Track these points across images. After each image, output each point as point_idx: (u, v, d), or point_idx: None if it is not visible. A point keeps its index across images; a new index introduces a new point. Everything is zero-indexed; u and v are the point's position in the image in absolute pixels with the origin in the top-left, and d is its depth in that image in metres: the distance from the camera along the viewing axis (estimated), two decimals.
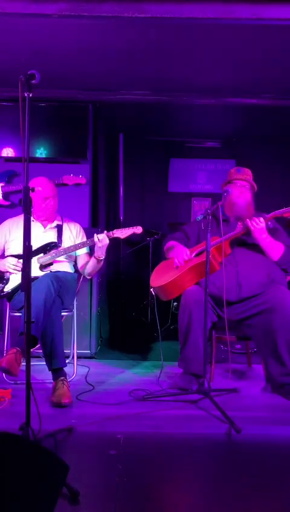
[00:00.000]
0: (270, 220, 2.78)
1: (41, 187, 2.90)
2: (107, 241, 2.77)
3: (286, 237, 2.92)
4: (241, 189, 2.89)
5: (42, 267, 2.83)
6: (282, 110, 4.03)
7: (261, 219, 2.73)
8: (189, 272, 2.79)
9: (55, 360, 2.61)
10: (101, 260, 2.86)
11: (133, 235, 2.84)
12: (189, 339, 2.75)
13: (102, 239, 2.76)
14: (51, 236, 2.98)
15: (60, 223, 3.06)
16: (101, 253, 2.81)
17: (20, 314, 2.80)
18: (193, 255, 2.88)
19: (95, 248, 2.81)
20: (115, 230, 2.83)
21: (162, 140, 5.02)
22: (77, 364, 3.03)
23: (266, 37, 2.89)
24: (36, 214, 2.98)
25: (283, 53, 3.10)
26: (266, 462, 2.01)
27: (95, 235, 2.78)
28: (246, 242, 2.87)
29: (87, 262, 2.95)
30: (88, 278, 3.12)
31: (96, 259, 2.85)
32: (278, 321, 2.61)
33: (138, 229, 2.82)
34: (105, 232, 2.81)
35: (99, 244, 2.76)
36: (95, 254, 2.83)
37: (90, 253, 2.96)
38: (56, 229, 3.02)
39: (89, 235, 2.96)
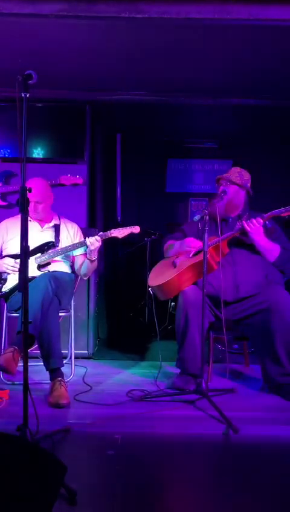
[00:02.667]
0: (268, 219, 2.78)
1: (34, 188, 2.89)
2: (99, 244, 2.81)
3: (283, 238, 2.92)
4: (221, 188, 2.89)
5: (40, 266, 2.83)
6: (280, 111, 4.04)
7: (259, 220, 2.73)
8: (187, 271, 2.79)
9: (53, 360, 2.60)
10: (94, 260, 2.89)
11: (131, 234, 2.85)
12: (186, 339, 2.75)
13: (93, 242, 2.79)
14: (48, 236, 2.98)
15: (57, 222, 3.06)
16: (93, 255, 2.85)
17: (17, 314, 2.79)
18: (191, 254, 2.89)
19: (87, 250, 2.84)
20: (112, 230, 2.84)
21: (159, 140, 5.01)
22: (75, 365, 3.02)
23: (264, 37, 2.90)
24: (33, 214, 2.98)
25: (281, 54, 3.10)
26: (264, 462, 2.01)
27: (87, 238, 2.82)
28: (244, 242, 2.87)
29: (83, 263, 2.96)
30: (84, 278, 3.13)
31: (90, 260, 2.88)
32: (276, 321, 2.61)
33: (136, 229, 2.83)
34: (101, 233, 2.83)
35: (92, 247, 2.80)
36: (88, 255, 2.86)
37: None
38: (53, 229, 3.02)
39: (87, 235, 2.97)
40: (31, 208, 2.93)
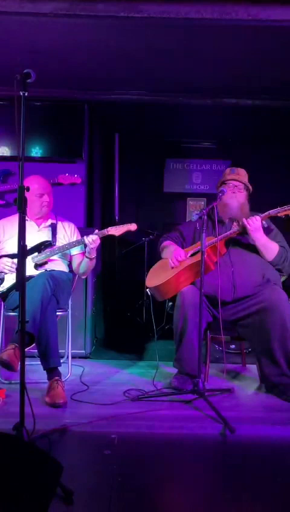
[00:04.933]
0: (265, 219, 2.79)
1: (36, 184, 2.91)
2: (98, 242, 2.82)
3: (280, 237, 2.92)
4: (233, 189, 2.89)
5: (37, 265, 2.83)
6: (278, 111, 4.05)
7: (257, 218, 2.74)
8: (184, 271, 2.79)
9: (50, 359, 2.60)
10: (93, 258, 2.89)
11: (128, 232, 2.84)
12: (184, 339, 2.75)
13: (92, 241, 2.79)
14: (45, 235, 2.97)
15: (54, 221, 3.06)
16: (92, 253, 2.85)
17: (15, 314, 2.79)
18: (188, 255, 2.89)
19: (87, 249, 2.84)
20: (109, 227, 2.84)
21: (158, 140, 5.02)
22: (72, 364, 3.02)
23: (262, 38, 2.90)
24: (30, 212, 2.98)
25: (279, 54, 3.11)
26: (261, 461, 2.02)
27: (85, 237, 2.82)
28: (241, 242, 2.88)
29: (81, 262, 2.96)
30: (83, 277, 3.12)
31: (88, 258, 2.87)
32: (273, 321, 2.62)
33: (133, 226, 2.83)
34: (96, 231, 2.83)
35: (91, 246, 2.79)
36: (87, 254, 2.86)
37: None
38: (50, 228, 3.02)
39: (84, 234, 2.96)
40: (33, 204, 2.93)
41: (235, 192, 2.88)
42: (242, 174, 2.95)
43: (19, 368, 2.34)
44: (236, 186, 2.90)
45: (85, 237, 2.82)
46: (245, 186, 2.91)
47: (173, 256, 2.85)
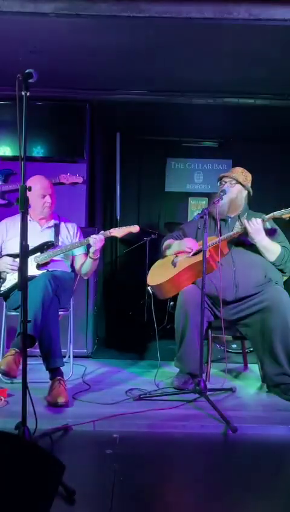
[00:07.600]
0: (268, 220, 2.78)
1: (39, 185, 2.91)
2: (103, 242, 2.81)
3: (283, 237, 2.92)
4: (224, 185, 2.89)
5: (39, 266, 2.83)
6: (279, 111, 4.04)
7: (259, 220, 2.74)
8: (186, 271, 2.79)
9: (53, 359, 2.60)
10: (97, 259, 2.88)
11: (130, 234, 2.84)
12: (185, 338, 2.75)
13: (99, 240, 2.77)
14: (47, 236, 2.97)
15: (57, 222, 3.06)
16: (96, 253, 2.84)
17: (16, 313, 2.79)
18: (191, 254, 2.89)
19: (91, 249, 2.84)
20: (112, 229, 2.84)
21: (159, 139, 5.02)
22: (73, 364, 3.03)
23: (264, 37, 2.90)
24: (33, 212, 2.98)
25: (281, 53, 3.10)
26: (262, 461, 2.02)
27: (90, 237, 2.81)
28: (243, 242, 2.88)
29: (84, 262, 2.96)
30: (85, 278, 3.12)
31: (92, 258, 2.86)
32: (274, 321, 2.62)
33: (135, 228, 2.83)
34: (102, 231, 2.83)
35: (96, 246, 2.78)
36: (90, 254, 2.85)
37: (87, 252, 2.96)
38: (53, 228, 3.02)
39: (86, 234, 2.96)
40: (36, 204, 2.93)
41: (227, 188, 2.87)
42: (236, 170, 2.95)
43: (18, 373, 2.36)
44: (226, 182, 2.90)
45: (90, 237, 2.82)
46: (237, 180, 2.89)
47: (191, 246, 2.85)
